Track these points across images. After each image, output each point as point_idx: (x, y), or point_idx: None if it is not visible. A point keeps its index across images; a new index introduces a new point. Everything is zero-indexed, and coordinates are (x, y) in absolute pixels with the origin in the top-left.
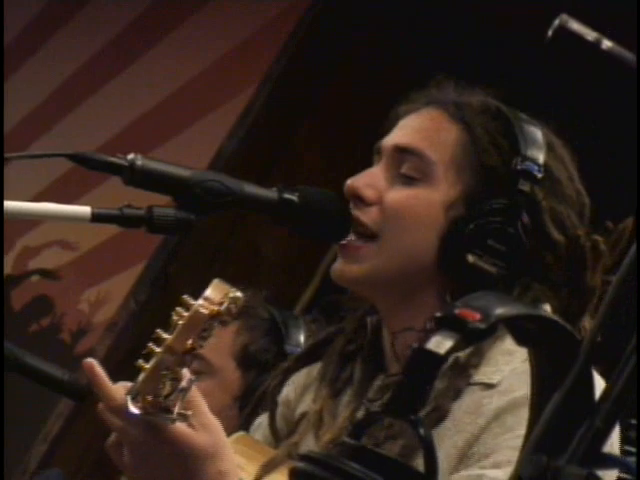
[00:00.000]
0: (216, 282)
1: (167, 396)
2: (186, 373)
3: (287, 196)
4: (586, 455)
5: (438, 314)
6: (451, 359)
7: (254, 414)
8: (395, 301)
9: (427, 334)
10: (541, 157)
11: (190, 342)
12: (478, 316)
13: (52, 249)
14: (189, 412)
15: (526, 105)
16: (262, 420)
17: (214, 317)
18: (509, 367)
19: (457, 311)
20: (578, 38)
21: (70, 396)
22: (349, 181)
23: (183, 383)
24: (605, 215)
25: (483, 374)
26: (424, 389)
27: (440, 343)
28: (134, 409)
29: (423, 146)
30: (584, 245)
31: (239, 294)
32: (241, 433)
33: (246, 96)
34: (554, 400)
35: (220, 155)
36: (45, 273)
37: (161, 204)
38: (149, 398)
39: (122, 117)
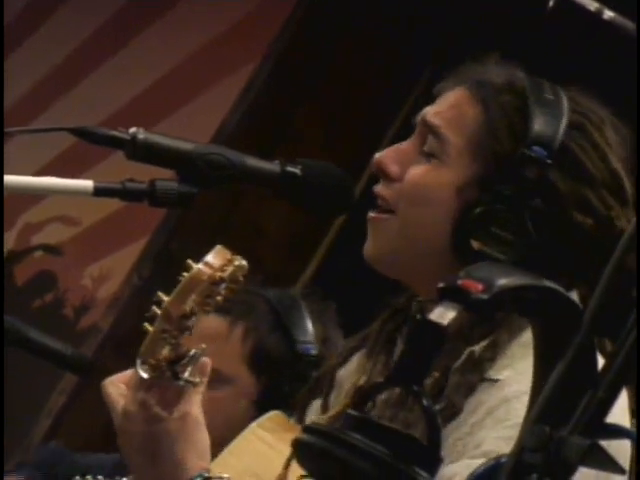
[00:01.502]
0: (219, 248)
1: (174, 362)
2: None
3: (289, 169)
4: (589, 425)
5: (441, 284)
6: (465, 354)
7: (310, 396)
8: (420, 283)
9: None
10: (556, 139)
11: (189, 306)
12: (481, 287)
13: (54, 225)
14: (197, 379)
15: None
16: (318, 402)
17: (216, 282)
18: (523, 362)
19: (460, 282)
20: (579, 8)
21: (73, 370)
22: (377, 155)
23: (193, 350)
24: None
25: (497, 369)
26: (427, 359)
27: (443, 314)
28: (143, 373)
29: (442, 125)
30: (618, 225)
31: (244, 262)
32: (275, 412)
33: (248, 70)
34: (556, 371)
35: (222, 129)
36: (48, 249)
37: (164, 178)
38: (152, 362)
39: (124, 93)
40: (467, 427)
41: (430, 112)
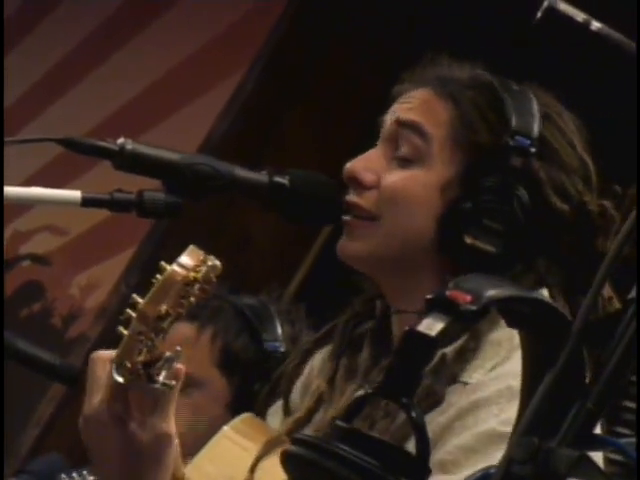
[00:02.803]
0: (191, 248)
1: (149, 365)
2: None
3: (277, 179)
4: (578, 437)
5: (429, 296)
6: (437, 356)
7: (271, 397)
8: (398, 283)
9: (419, 316)
10: (534, 129)
11: (164, 307)
12: (469, 298)
13: (42, 234)
14: (173, 382)
15: (522, 76)
16: (279, 405)
17: (190, 284)
18: (492, 362)
19: (448, 293)
20: (567, 19)
21: (62, 381)
22: (347, 165)
23: (168, 353)
24: (613, 180)
25: (468, 371)
26: (416, 371)
27: (431, 325)
28: (118, 378)
29: (422, 121)
30: (591, 211)
31: (217, 262)
32: (247, 414)
33: (236, 79)
34: (545, 382)
35: (210, 139)
36: (36, 258)
37: (151, 189)
38: (128, 365)
39: (111, 102)
40: (434, 426)
41: (402, 112)
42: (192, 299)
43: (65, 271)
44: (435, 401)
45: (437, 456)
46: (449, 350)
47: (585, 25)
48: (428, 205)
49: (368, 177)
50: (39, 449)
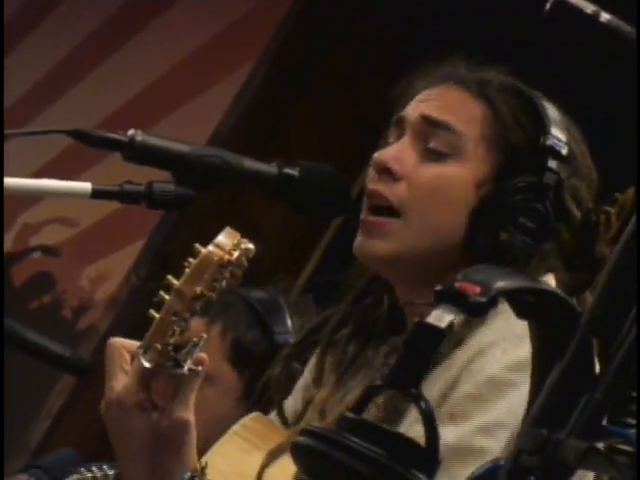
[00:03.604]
0: (228, 229)
1: (177, 349)
2: (197, 327)
3: (287, 171)
4: (586, 428)
5: (438, 287)
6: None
7: (257, 405)
8: (419, 281)
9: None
10: (564, 135)
11: (199, 288)
12: (478, 289)
13: (52, 226)
14: (199, 368)
15: (528, 82)
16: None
17: (224, 265)
18: (492, 320)
19: (457, 285)
20: (576, 11)
21: (72, 372)
22: (377, 155)
23: (195, 338)
24: (609, 186)
25: (478, 333)
26: (425, 362)
27: (440, 317)
28: (145, 362)
29: (453, 120)
30: (597, 217)
31: (251, 246)
32: (256, 413)
33: (244, 72)
34: (554, 373)
35: (219, 131)
36: (46, 250)
37: (161, 181)
38: (158, 347)
39: (120, 94)
40: (445, 381)
41: (430, 109)
42: (223, 283)
43: (75, 263)
44: (435, 361)
45: (447, 408)
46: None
47: (594, 17)
48: (462, 201)
49: (398, 167)
50: (49, 442)
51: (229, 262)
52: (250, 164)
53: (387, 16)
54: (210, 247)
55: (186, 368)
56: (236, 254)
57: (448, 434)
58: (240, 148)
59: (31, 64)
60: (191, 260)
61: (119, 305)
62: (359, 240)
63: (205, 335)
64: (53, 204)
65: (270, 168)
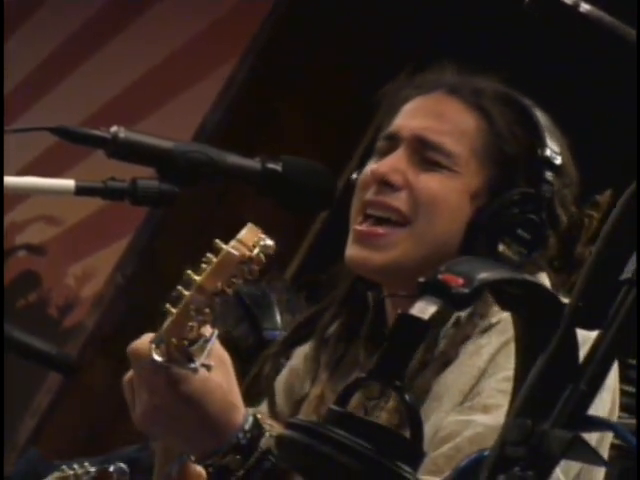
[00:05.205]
0: (250, 225)
1: (191, 343)
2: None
3: (270, 166)
4: (571, 418)
5: (421, 279)
6: (453, 318)
7: (244, 400)
8: (412, 287)
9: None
10: (557, 145)
11: (219, 284)
12: (461, 281)
13: (37, 224)
14: (212, 363)
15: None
16: (262, 408)
17: (244, 262)
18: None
19: (440, 276)
20: (556, 1)
21: (59, 370)
22: (374, 166)
23: (207, 333)
24: (588, 188)
25: (489, 316)
26: (409, 355)
27: (424, 308)
28: (157, 357)
29: (448, 143)
30: (581, 221)
31: (270, 242)
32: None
33: (229, 68)
34: (538, 364)
35: (203, 128)
36: (31, 248)
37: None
38: (174, 341)
39: (104, 91)
40: (472, 371)
41: (425, 130)
42: (240, 280)
43: (61, 261)
44: (448, 360)
45: (480, 400)
46: (463, 314)
47: (574, 7)
48: (460, 212)
49: (397, 178)
50: (37, 439)
51: (250, 259)
52: (234, 159)
53: (372, 12)
54: (233, 243)
55: (198, 363)
56: (256, 251)
57: (488, 421)
58: (224, 144)
59: (14, 63)
60: (210, 256)
61: (105, 303)
62: (354, 251)
63: (216, 330)
64: (38, 202)
65: (254, 163)
